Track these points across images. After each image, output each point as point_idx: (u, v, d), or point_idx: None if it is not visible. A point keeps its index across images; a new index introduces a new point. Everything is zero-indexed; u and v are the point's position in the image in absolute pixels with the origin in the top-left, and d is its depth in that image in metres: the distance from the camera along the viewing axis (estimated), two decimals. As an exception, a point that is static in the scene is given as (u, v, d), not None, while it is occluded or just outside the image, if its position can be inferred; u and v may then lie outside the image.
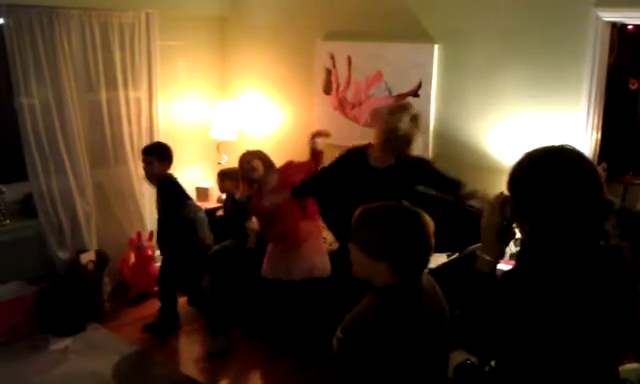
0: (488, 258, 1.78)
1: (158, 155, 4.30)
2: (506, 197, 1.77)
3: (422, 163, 3.64)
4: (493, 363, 2.43)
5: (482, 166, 4.26)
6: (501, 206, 1.76)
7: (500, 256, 1.81)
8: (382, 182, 3.50)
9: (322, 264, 4.12)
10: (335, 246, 4.31)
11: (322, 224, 4.31)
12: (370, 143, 3.65)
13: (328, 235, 4.39)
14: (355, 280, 2.09)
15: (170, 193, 4.33)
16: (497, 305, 1.70)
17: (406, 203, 2.03)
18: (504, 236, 1.79)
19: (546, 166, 1.70)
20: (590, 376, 1.72)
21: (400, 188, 3.50)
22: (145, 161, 4.34)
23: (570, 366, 1.69)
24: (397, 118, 3.49)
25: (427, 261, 2.02)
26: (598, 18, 3.75)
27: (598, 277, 1.68)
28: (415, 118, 3.54)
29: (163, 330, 4.54)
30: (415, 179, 3.60)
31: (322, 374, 4.01)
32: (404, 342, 1.90)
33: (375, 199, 2.10)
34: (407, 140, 3.51)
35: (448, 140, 4.49)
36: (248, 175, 4.28)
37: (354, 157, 3.67)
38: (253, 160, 4.23)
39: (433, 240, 1.99)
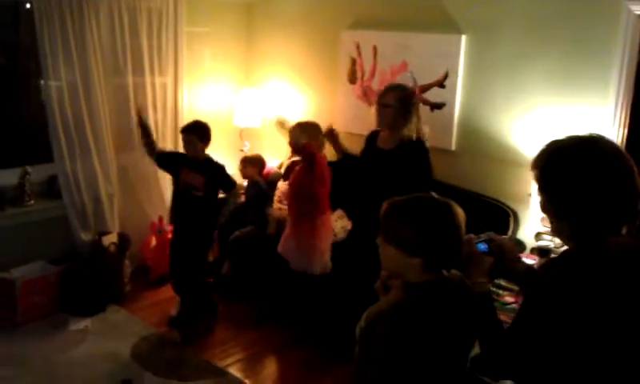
0: (478, 280, 1.89)
1: (199, 135, 4.23)
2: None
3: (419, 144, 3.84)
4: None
5: (507, 159, 4.22)
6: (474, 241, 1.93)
7: (487, 275, 1.91)
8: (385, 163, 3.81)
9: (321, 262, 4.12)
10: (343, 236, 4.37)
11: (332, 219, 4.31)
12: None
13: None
14: (367, 270, 2.05)
15: (222, 175, 4.34)
16: (536, 304, 1.71)
17: (434, 194, 1.98)
18: (483, 262, 1.91)
19: (583, 159, 1.67)
20: (619, 375, 1.68)
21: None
22: (185, 140, 4.25)
23: (601, 365, 1.66)
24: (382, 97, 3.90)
25: (460, 254, 1.93)
26: (630, 11, 3.67)
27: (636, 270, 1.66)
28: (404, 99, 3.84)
29: (186, 320, 4.42)
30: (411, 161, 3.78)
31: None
32: (428, 341, 1.86)
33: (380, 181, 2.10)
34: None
35: (473, 131, 4.44)
36: (293, 146, 4.28)
37: (368, 140, 4.09)
38: (302, 139, 4.17)
39: (465, 232, 1.93)
